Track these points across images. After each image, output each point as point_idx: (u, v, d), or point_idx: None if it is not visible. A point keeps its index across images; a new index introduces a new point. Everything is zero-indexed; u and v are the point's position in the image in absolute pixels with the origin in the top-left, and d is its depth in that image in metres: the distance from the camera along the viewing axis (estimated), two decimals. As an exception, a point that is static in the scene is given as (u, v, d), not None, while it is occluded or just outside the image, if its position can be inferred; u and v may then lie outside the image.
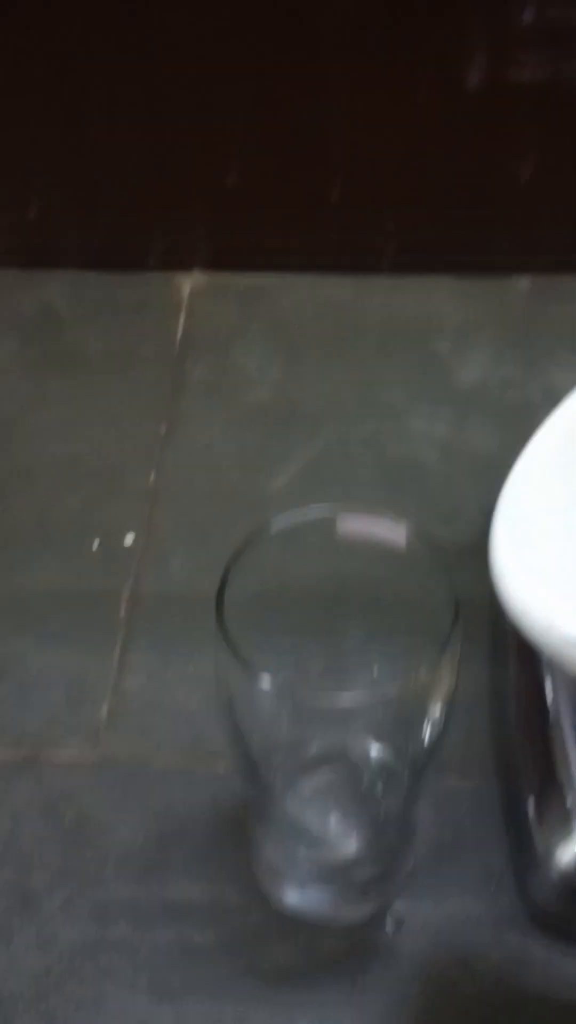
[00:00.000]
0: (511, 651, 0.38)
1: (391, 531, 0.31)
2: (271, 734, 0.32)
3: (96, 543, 0.45)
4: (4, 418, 0.51)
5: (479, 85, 0.52)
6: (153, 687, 0.40)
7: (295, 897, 0.35)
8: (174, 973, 0.33)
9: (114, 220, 0.57)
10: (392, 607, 0.31)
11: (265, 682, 0.28)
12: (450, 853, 0.36)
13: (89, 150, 0.55)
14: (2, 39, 0.52)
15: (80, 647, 0.42)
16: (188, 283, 0.58)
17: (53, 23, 0.51)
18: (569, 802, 0.33)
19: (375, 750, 0.34)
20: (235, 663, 0.28)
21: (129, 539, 0.45)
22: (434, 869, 0.35)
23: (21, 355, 0.54)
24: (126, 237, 0.58)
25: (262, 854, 0.35)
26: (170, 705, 0.40)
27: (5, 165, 0.56)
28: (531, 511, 0.32)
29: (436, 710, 0.30)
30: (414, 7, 0.50)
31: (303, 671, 0.32)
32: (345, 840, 0.35)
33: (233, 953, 0.34)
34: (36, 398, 0.52)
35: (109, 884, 0.35)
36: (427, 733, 0.30)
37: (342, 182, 0.56)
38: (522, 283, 0.58)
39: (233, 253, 0.58)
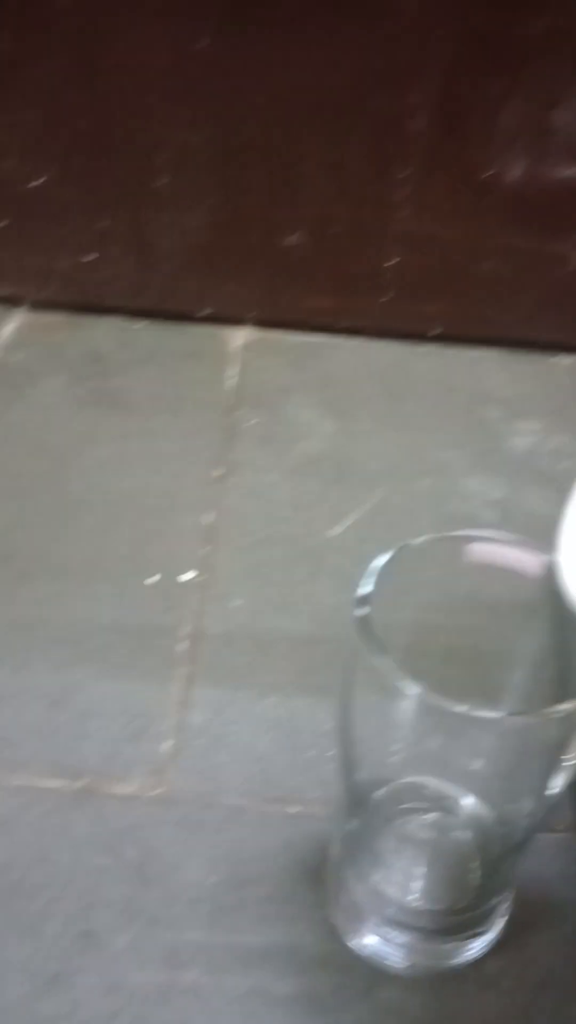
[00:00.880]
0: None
1: (532, 563, 0.29)
2: (383, 763, 0.30)
3: (153, 579, 0.43)
4: (55, 452, 0.49)
5: (530, 178, 0.54)
6: (218, 724, 0.38)
7: (375, 941, 0.32)
8: (252, 1026, 0.30)
9: (168, 271, 0.57)
10: (530, 647, 0.29)
11: (410, 690, 0.26)
12: (538, 909, 0.33)
13: (151, 201, 0.56)
14: (76, 93, 0.53)
15: (140, 681, 0.39)
16: (238, 337, 0.58)
17: (128, 76, 0.52)
18: None
19: (484, 802, 0.32)
20: (379, 670, 0.26)
21: (186, 576, 0.44)
22: (524, 925, 0.33)
23: (68, 393, 0.53)
24: (178, 288, 0.58)
25: (345, 894, 0.33)
26: (236, 744, 0.38)
27: (65, 210, 0.56)
28: None
29: (567, 764, 0.28)
30: (467, 114, 0.52)
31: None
32: (436, 888, 0.32)
33: (314, 1007, 0.31)
34: (86, 435, 0.51)
35: (179, 926, 0.32)
36: (546, 791, 0.28)
37: (398, 255, 0.57)
38: (565, 361, 0.59)
39: (284, 312, 0.58)
